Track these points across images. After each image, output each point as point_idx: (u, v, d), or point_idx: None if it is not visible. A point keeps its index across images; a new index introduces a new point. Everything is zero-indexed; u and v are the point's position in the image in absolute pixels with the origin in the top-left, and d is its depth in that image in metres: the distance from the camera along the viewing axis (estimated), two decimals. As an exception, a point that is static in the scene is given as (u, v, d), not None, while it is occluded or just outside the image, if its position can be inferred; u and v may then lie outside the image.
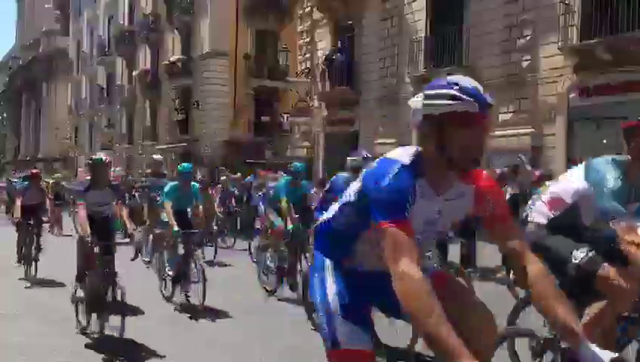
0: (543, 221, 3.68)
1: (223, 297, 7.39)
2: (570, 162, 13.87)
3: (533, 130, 14.59)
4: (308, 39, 22.69)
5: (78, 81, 47.56)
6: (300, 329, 6.02)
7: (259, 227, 11.58)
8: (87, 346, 5.57)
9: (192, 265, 7.18)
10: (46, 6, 54.90)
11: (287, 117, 23.96)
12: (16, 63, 63.53)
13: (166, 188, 7.76)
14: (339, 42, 20.71)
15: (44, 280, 8.78)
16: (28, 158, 56.62)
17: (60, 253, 8.91)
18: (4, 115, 71.18)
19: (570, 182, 3.71)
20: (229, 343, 5.77)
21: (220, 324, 6.56)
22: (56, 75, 53.00)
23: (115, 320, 5.51)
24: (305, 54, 22.87)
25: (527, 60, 14.78)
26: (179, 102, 31.50)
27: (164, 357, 5.27)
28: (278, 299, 7.79)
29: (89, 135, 45.50)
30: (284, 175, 10.08)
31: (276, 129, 27.31)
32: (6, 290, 8.29)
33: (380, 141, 18.98)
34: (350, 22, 20.75)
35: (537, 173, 10.04)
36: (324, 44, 21.65)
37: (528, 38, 14.74)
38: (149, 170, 16.35)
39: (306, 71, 22.28)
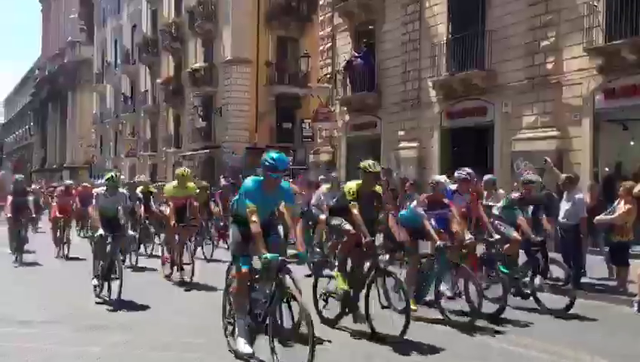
0: None
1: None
2: (597, 165, 13.69)
3: (558, 132, 14.39)
4: (329, 45, 22.71)
5: (102, 90, 48.23)
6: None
7: None
8: (111, 355, 5.61)
9: None
10: (71, 16, 55.86)
11: (309, 123, 23.98)
12: (41, 74, 64.69)
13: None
14: (360, 47, 20.67)
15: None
16: (55, 167, 57.57)
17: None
18: (31, 124, 72.47)
19: None
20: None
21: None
22: (81, 84, 53.84)
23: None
24: (326, 60, 22.89)
25: (551, 62, 14.59)
26: (201, 110, 31.76)
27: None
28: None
29: (114, 143, 46.09)
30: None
31: (298, 135, 27.35)
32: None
33: (401, 145, 18.90)
34: (371, 27, 20.72)
35: (563, 176, 9.89)
36: (345, 50, 21.65)
37: (552, 39, 14.55)
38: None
39: (327, 76, 22.29)
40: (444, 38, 17.57)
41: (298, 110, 29.66)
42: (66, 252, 13.21)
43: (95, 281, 8.45)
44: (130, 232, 9.80)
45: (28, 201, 13.24)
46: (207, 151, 30.61)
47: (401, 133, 19.01)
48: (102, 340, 6.08)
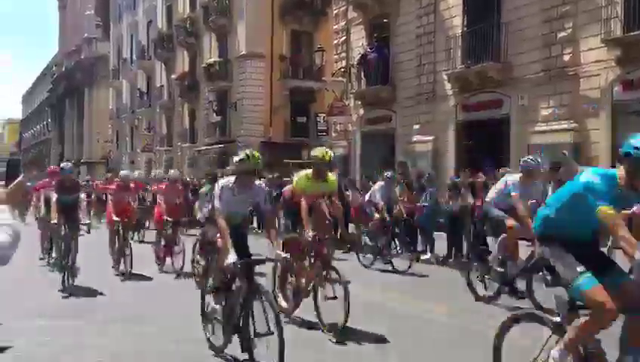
0: None
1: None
2: (615, 158, 13.51)
3: (575, 124, 14.23)
4: (343, 38, 22.64)
5: (118, 86, 48.56)
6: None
7: None
8: (125, 348, 5.66)
9: None
10: (87, 13, 56.24)
11: (324, 117, 23.96)
12: (58, 70, 65.29)
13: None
14: (374, 40, 20.59)
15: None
16: (72, 162, 58.18)
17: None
18: (49, 120, 73.23)
19: None
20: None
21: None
22: (98, 80, 54.24)
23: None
24: (340, 53, 22.83)
25: (568, 54, 14.42)
26: (216, 105, 31.87)
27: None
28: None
29: (130, 138, 46.44)
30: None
31: (312, 129, 27.35)
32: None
33: (416, 139, 18.81)
34: (385, 20, 20.62)
35: (581, 169, 9.76)
36: (359, 43, 21.57)
37: (569, 31, 14.37)
38: None
39: (342, 70, 22.23)
40: (460, 31, 17.43)
41: (312, 104, 29.63)
42: (128, 268, 9.71)
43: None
44: None
45: (79, 201, 9.75)
46: (222, 145, 30.72)
47: (416, 126, 18.92)
48: (115, 334, 6.14)
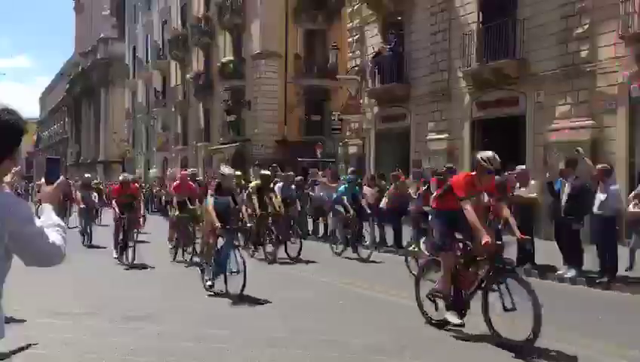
0: None
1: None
2: (633, 155, 13.35)
3: (592, 122, 14.07)
4: (357, 36, 22.60)
5: (134, 86, 48.94)
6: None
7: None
8: (145, 346, 5.70)
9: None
10: (103, 13, 56.72)
11: (338, 115, 23.94)
12: (75, 70, 65.88)
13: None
14: (389, 38, 20.52)
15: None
16: (89, 162, 58.68)
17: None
18: (66, 120, 73.94)
19: None
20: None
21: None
22: (114, 80, 54.68)
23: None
24: (354, 52, 22.79)
25: (585, 50, 14.26)
26: (231, 103, 31.98)
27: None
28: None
29: (145, 137, 46.76)
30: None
31: (327, 127, 27.34)
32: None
33: (431, 137, 18.73)
34: (399, 17, 20.54)
35: (598, 166, 9.66)
36: (373, 41, 21.51)
37: (586, 27, 14.21)
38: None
39: (356, 68, 22.19)
40: (475, 27, 17.31)
41: (327, 102, 29.62)
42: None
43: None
44: None
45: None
46: (237, 144, 30.82)
47: (431, 124, 18.83)
48: (135, 331, 6.19)
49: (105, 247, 12.91)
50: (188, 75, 37.20)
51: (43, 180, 2.32)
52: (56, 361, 5.21)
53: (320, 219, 16.01)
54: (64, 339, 5.83)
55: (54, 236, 2.12)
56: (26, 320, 6.18)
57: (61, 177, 2.32)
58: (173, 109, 40.47)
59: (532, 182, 10.26)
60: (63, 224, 2.20)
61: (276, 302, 7.64)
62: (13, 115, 2.06)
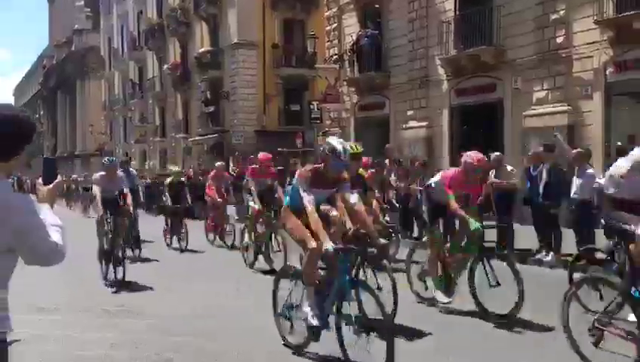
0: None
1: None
2: (609, 139, 13.53)
3: (569, 107, 14.22)
4: (335, 25, 22.52)
5: (110, 77, 48.29)
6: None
7: None
8: (125, 340, 5.66)
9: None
10: (76, 4, 55.78)
11: (317, 104, 23.87)
12: (49, 62, 64.83)
13: None
14: (366, 26, 20.48)
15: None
16: (66, 155, 57.91)
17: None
18: (41, 113, 72.82)
19: None
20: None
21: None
22: (89, 71, 53.94)
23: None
24: (333, 40, 22.71)
25: (561, 36, 14.37)
26: (209, 94, 31.72)
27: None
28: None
29: (123, 130, 46.24)
30: None
31: (306, 117, 27.26)
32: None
33: (410, 125, 18.79)
34: (377, 5, 20.50)
35: (574, 151, 9.77)
36: (351, 30, 21.45)
37: (562, 12, 14.32)
38: None
39: (335, 57, 22.13)
40: (452, 15, 17.35)
41: (306, 92, 29.55)
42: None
43: None
44: None
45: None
46: (216, 135, 30.62)
47: (410, 112, 18.88)
48: (119, 326, 6.14)
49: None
50: (165, 66, 36.78)
51: (40, 180, 2.36)
52: (42, 357, 5.14)
53: None
54: (51, 335, 5.76)
55: (55, 236, 2.14)
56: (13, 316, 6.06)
57: (58, 177, 2.36)
58: (150, 101, 40.03)
59: (508, 167, 10.34)
60: (62, 224, 2.21)
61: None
62: (26, 114, 2.17)
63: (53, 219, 2.20)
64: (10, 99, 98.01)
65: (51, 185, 2.31)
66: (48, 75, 65.13)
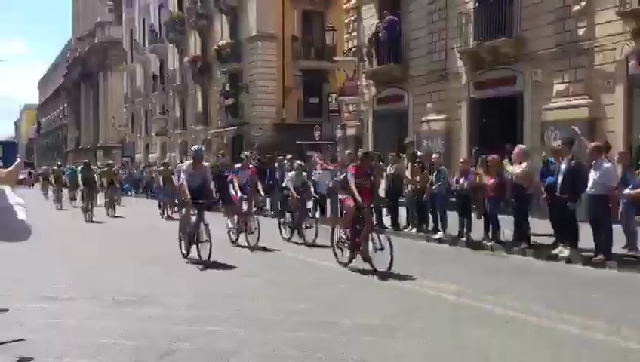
0: None
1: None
2: (631, 132, 13.26)
3: (590, 100, 13.97)
4: (354, 17, 22.38)
5: (132, 70, 48.68)
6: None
7: None
8: (135, 329, 5.71)
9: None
10: (99, -3, 56.26)
11: (335, 97, 23.80)
12: (73, 55, 65.56)
13: None
14: (386, 19, 20.31)
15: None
16: (89, 147, 58.62)
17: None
18: (65, 105, 73.75)
19: None
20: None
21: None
22: (111, 64, 54.46)
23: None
24: (352, 33, 22.58)
25: (582, 28, 14.10)
26: (229, 87, 31.82)
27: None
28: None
29: (144, 122, 46.63)
30: None
31: (325, 110, 27.22)
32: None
33: (429, 118, 18.63)
34: (396, -3, 20.31)
35: (592, 144, 9.59)
36: (370, 22, 21.31)
37: (584, 4, 14.04)
38: None
39: (354, 49, 22.00)
40: (472, 6, 17.13)
41: (325, 84, 29.48)
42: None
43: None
44: None
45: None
46: (235, 127, 30.73)
47: (429, 105, 18.72)
48: (128, 315, 6.19)
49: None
50: (185, 59, 36.97)
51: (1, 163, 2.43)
52: (46, 346, 5.21)
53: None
54: (55, 324, 5.83)
55: (21, 214, 2.20)
56: (7, 310, 6.17)
57: (18, 160, 2.41)
58: (171, 93, 40.29)
59: (524, 164, 10.17)
60: (24, 203, 2.25)
61: (275, 285, 7.67)
62: None
63: (16, 198, 2.25)
64: (35, 94, 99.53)
65: (12, 167, 2.35)
66: (71, 68, 65.90)
